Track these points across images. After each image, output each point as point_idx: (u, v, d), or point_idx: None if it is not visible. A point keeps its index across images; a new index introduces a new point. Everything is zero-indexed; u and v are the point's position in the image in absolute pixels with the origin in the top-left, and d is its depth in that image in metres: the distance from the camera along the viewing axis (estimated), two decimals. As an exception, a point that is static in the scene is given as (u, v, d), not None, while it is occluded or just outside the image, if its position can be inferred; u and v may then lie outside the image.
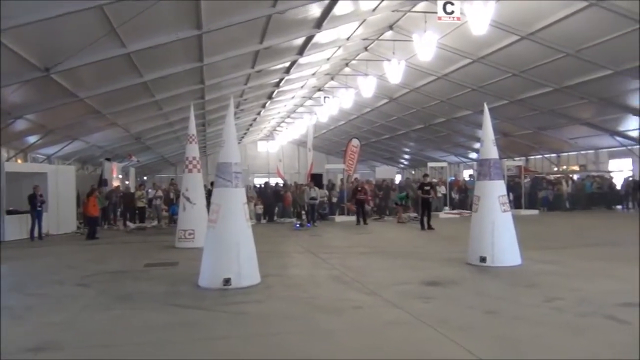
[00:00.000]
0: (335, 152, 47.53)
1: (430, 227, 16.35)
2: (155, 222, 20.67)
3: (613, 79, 21.87)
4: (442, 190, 23.03)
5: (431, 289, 7.38)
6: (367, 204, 22.28)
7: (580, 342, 4.88)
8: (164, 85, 18.27)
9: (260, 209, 21.17)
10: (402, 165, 55.00)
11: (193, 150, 13.41)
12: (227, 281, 7.52)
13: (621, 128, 29.34)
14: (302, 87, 29.85)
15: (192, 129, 13.66)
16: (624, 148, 31.26)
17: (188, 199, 13.09)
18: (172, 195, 21.10)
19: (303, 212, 20.07)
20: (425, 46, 17.80)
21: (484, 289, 7.48)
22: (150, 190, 22.95)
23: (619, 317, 5.50)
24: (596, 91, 23.69)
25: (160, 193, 21.69)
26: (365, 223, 19.25)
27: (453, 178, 29.34)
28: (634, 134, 29.51)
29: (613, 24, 17.27)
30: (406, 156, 52.77)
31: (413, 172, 45.11)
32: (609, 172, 31.13)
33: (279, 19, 14.69)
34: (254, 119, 38.79)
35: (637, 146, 30.41)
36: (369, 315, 6.10)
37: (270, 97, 29.16)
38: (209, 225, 8.02)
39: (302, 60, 21.14)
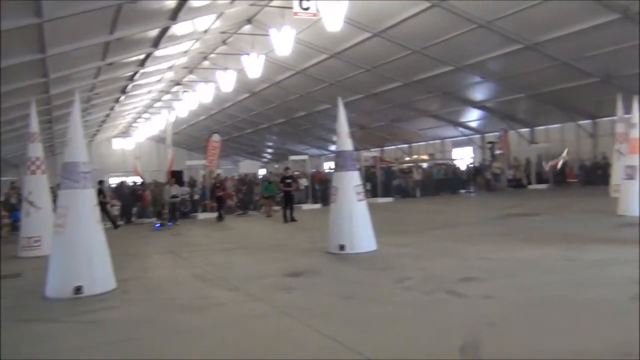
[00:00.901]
0: (196, 147, 46.45)
1: (293, 220, 16.67)
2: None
3: (455, 75, 23.89)
4: (304, 182, 23.56)
5: (293, 280, 7.54)
6: (230, 199, 22.11)
7: (425, 316, 5.31)
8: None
9: (117, 209, 20.02)
10: (265, 160, 55.34)
11: (36, 150, 12.29)
12: (78, 289, 7.02)
13: (463, 119, 32.24)
14: (158, 80, 28.70)
15: (34, 126, 12.51)
16: (465, 138, 34.40)
17: (32, 203, 12.00)
18: (13, 200, 19.16)
19: (164, 211, 19.35)
20: (283, 41, 18.01)
21: (343, 275, 7.82)
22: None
23: (459, 291, 6.07)
24: (440, 85, 25.74)
25: (-1, 198, 19.61)
26: (221, 219, 19.10)
27: (314, 170, 30.14)
28: (474, 124, 32.59)
29: (454, 23, 18.84)
30: (269, 150, 53.18)
31: (276, 165, 45.56)
32: (453, 159, 34.05)
33: (131, 8, 13.92)
34: (107, 115, 36.54)
35: (477, 136, 33.64)
36: (231, 311, 6.09)
37: (124, 91, 27.64)
38: (56, 231, 7.42)
39: (157, 52, 20.30)
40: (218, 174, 22.06)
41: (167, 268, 9.53)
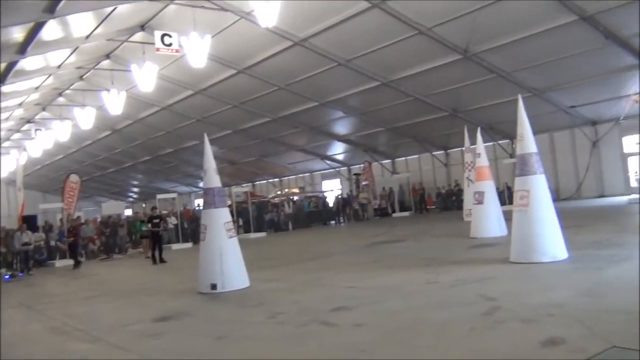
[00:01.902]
0: (52, 189, 43.04)
1: (162, 261, 15.98)
2: None
3: (319, 110, 24.82)
4: (173, 221, 22.76)
5: (162, 325, 7.18)
6: (92, 243, 20.74)
7: (298, 349, 5.31)
8: None
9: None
10: (131, 199, 52.81)
11: None
12: None
13: (329, 152, 33.43)
14: (6, 119, 26.34)
15: None
16: (333, 170, 35.65)
17: None
18: None
19: (14, 261, 17.52)
20: (146, 77, 17.52)
21: (215, 315, 7.60)
22: None
23: (330, 322, 6.17)
24: (307, 120, 26.56)
25: None
26: (78, 266, 17.77)
27: (183, 208, 29.29)
28: (340, 157, 33.93)
29: (315, 61, 19.66)
30: (135, 189, 50.88)
31: (144, 205, 43.61)
32: (323, 192, 35.04)
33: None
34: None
35: (344, 168, 35.01)
36: (92, 365, 5.63)
37: (-35, 130, 25.01)
38: None
39: (4, 88, 18.68)
40: (77, 217, 20.57)
41: (18, 324, 8.59)
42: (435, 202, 29.51)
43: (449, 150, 29.27)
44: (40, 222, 23.53)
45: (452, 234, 15.03)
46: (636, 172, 23.10)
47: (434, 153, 29.62)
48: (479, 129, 14.47)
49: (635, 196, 19.29)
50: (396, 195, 29.67)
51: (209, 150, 9.64)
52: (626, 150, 23.25)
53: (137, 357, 5.63)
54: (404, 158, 31.97)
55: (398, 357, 4.68)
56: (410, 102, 22.64)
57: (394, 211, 29.26)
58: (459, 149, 25.26)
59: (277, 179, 40.39)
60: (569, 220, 10.84)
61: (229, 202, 23.01)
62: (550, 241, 8.46)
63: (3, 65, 16.05)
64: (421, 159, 31.05)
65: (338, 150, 32.61)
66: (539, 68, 18.93)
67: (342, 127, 28.36)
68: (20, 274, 16.62)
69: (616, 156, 23.43)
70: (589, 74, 19.06)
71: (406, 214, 28.08)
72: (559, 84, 20.08)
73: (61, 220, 21.88)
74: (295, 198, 31.94)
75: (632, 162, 23.25)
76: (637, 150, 19.47)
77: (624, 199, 19.97)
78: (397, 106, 23.31)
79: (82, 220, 21.92)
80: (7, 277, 16.21)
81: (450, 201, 27.55)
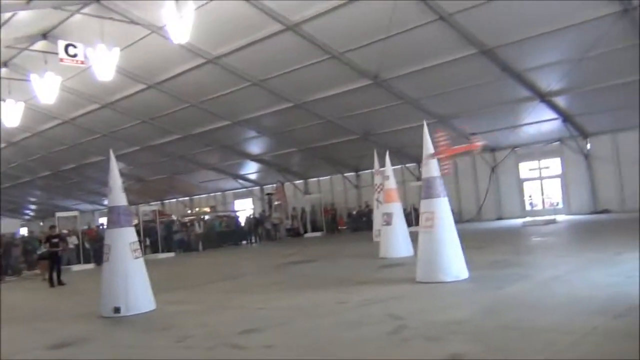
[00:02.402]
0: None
1: (60, 283, 15.01)
2: None
3: (232, 129, 24.64)
4: (73, 241, 21.47)
5: (59, 352, 6.72)
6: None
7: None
8: None
9: None
10: (27, 217, 49.45)
11: None
12: None
13: (242, 172, 33.18)
14: None
15: None
16: (245, 189, 35.37)
17: None
18: None
19: None
20: (47, 88, 16.61)
21: (118, 340, 7.24)
22: None
23: (240, 344, 6.08)
24: (219, 139, 26.27)
25: None
26: None
27: (86, 227, 27.75)
28: (253, 176, 33.74)
29: (229, 80, 19.57)
30: (32, 206, 47.73)
31: (42, 223, 40.91)
32: (235, 211, 34.63)
33: None
34: None
35: (256, 187, 34.84)
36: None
37: None
38: None
39: None
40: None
41: None
42: (346, 222, 30.00)
43: (359, 172, 29.98)
44: None
45: (362, 254, 15.33)
46: (530, 196, 24.89)
47: (345, 174, 30.22)
48: (387, 152, 14.96)
49: (529, 219, 20.75)
50: (308, 216, 29.87)
51: (114, 166, 9.25)
52: (522, 175, 24.97)
53: (29, 388, 5.23)
54: (316, 178, 32.32)
55: (307, 378, 4.69)
56: (323, 124, 23.05)
57: (306, 231, 29.43)
58: (369, 170, 25.97)
59: (187, 198, 39.41)
60: (470, 242, 11.42)
61: (136, 221, 22.14)
62: (453, 261, 8.87)
63: None
64: (333, 180, 31.55)
65: (251, 169, 32.45)
66: (443, 96, 19.99)
67: (255, 147, 28.29)
68: None
69: (513, 181, 25.06)
70: (488, 103, 20.34)
71: (318, 234, 28.34)
72: (461, 111, 21.24)
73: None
74: (206, 217, 31.29)
75: (527, 186, 25.02)
76: (532, 176, 21.00)
77: (519, 221, 21.38)
78: (310, 127, 23.64)
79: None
80: None
81: (361, 222, 28.12)
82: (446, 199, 9.21)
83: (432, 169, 9.18)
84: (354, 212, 29.26)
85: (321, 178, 32.03)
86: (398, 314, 6.71)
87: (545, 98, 19.42)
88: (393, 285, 9.02)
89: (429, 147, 9.26)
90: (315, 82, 19.66)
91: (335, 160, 28.37)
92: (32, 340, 7.65)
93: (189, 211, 35.92)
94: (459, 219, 18.87)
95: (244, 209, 35.14)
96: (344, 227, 29.85)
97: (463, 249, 9.12)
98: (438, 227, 8.93)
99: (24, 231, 37.80)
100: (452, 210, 9.56)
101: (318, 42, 16.96)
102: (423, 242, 9.11)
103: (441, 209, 9.04)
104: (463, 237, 9.36)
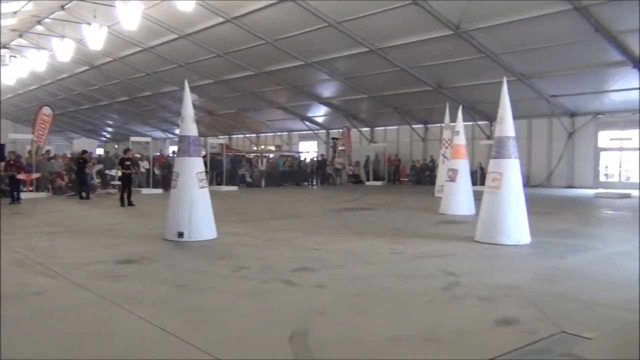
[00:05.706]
0: (23, 120, 41.98)
1: (130, 204, 15.84)
2: None
3: (304, 70, 24.51)
4: (145, 165, 22.47)
5: (124, 267, 7.15)
6: (60, 179, 20.42)
7: (259, 305, 5.35)
8: None
9: None
10: (104, 139, 51.95)
11: None
12: None
13: (309, 114, 33.21)
14: (-20, 41, 25.36)
15: None
16: (311, 132, 35.49)
17: None
18: None
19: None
20: (130, 14, 16.99)
21: (178, 263, 7.60)
22: None
23: (293, 281, 6.24)
24: (290, 79, 26.23)
25: None
26: (16, 201, 16.68)
27: (157, 153, 28.91)
28: (320, 120, 33.74)
29: (305, 20, 19.29)
30: (109, 129, 50.00)
31: (116, 145, 42.92)
32: (299, 152, 34.95)
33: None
34: None
35: (322, 131, 34.90)
36: (51, 300, 5.58)
37: None
38: None
39: (-21, 8, 17.94)
40: (47, 151, 20.15)
41: (-23, 252, 8.46)
42: (409, 174, 29.74)
43: (428, 125, 29.36)
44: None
45: (422, 207, 15.22)
46: (606, 167, 23.63)
47: (413, 126, 29.68)
48: (460, 107, 14.51)
49: (602, 190, 19.78)
50: (371, 164, 29.78)
51: (188, 97, 9.46)
52: (600, 144, 23.67)
53: (96, 297, 5.61)
54: (383, 128, 31.97)
55: (355, 322, 4.76)
56: (396, 72, 22.50)
57: (368, 179, 29.42)
58: (439, 124, 25.36)
59: (254, 135, 40.08)
60: (536, 207, 11.07)
61: (204, 153, 22.79)
62: (516, 225, 8.64)
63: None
64: (400, 131, 31.11)
65: (319, 112, 32.40)
66: (527, 53, 18.96)
67: (325, 90, 28.12)
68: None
69: (590, 149, 23.84)
70: (574, 65, 19.17)
71: (379, 183, 28.28)
72: (544, 71, 20.17)
73: (29, 152, 21.39)
74: (271, 156, 31.79)
75: (604, 157, 23.72)
76: (611, 146, 19.86)
77: (591, 192, 20.42)
78: (382, 75, 23.16)
79: (52, 154, 21.46)
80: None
81: (424, 175, 27.80)
82: (517, 160, 8.88)
83: (507, 128, 8.82)
84: (418, 165, 28.88)
85: (388, 127, 31.63)
86: (452, 270, 6.66)
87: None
88: (450, 242, 8.92)
89: (506, 105, 8.87)
90: (393, 28, 19.07)
91: (405, 110, 27.82)
92: (101, 253, 8.15)
93: (254, 148, 36.57)
94: (527, 182, 18.23)
95: (309, 151, 35.40)
96: (406, 179, 29.61)
97: (528, 213, 8.85)
98: (504, 189, 8.66)
99: (100, 152, 39.77)
100: (522, 173, 9.23)
101: (401, -15, 16.34)
102: (487, 202, 8.89)
103: (510, 170, 8.74)
104: (530, 201, 9.06)
